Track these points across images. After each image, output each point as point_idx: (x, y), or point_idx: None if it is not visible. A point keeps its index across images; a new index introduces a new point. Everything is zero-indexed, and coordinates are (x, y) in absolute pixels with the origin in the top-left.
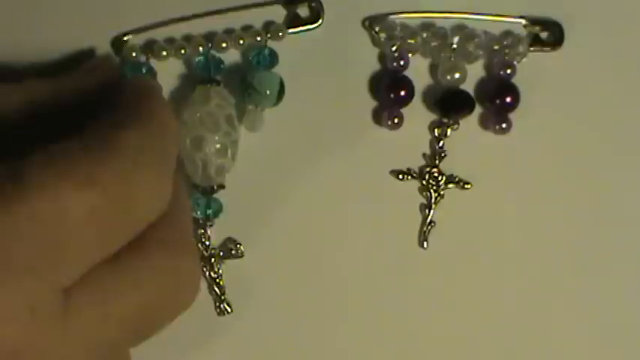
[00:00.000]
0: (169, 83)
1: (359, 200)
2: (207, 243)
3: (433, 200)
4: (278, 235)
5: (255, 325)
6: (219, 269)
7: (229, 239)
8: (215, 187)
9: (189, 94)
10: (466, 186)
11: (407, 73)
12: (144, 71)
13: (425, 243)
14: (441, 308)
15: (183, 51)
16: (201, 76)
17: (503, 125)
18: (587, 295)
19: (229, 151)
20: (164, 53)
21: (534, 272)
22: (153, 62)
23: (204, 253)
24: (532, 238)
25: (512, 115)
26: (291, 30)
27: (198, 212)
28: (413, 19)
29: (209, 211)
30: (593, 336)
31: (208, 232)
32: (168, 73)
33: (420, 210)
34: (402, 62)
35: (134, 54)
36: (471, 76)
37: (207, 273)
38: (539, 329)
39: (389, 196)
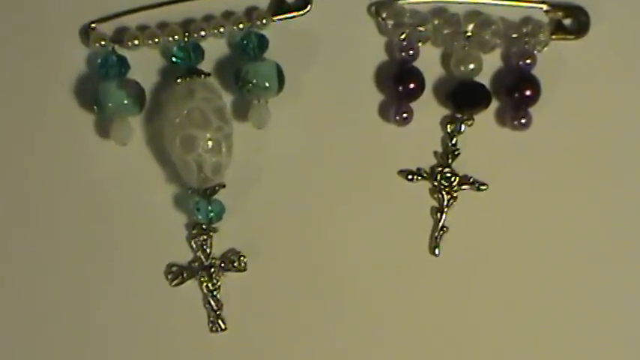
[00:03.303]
0: (147, 76)
1: (364, 203)
2: (209, 251)
3: (445, 203)
4: (277, 241)
5: (249, 344)
6: (217, 281)
7: (232, 250)
8: (216, 188)
9: (171, 88)
10: (482, 187)
11: (416, 63)
12: (114, 61)
13: (436, 250)
14: (454, 321)
15: (157, 40)
16: (181, 68)
17: (523, 121)
18: (615, 308)
19: (224, 147)
20: (136, 42)
21: (558, 283)
22: (125, 53)
23: (204, 262)
24: (554, 244)
25: (532, 110)
26: (276, 17)
27: (200, 217)
28: (423, 4)
29: (211, 215)
30: (619, 347)
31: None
32: (144, 64)
33: (432, 214)
34: (411, 52)
35: (103, 43)
36: (487, 67)
37: (205, 284)
38: (562, 345)
39: (397, 198)
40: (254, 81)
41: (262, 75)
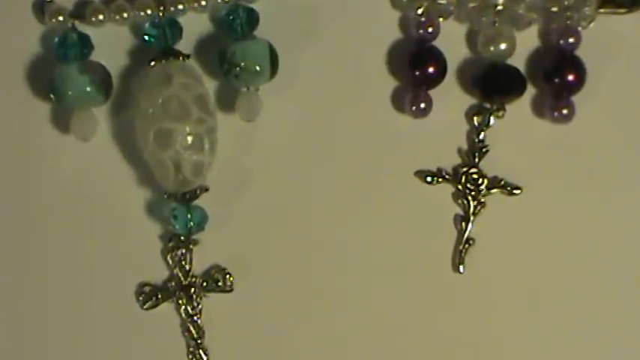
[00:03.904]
0: (114, 58)
1: (375, 211)
2: (188, 268)
3: (472, 210)
4: (269, 256)
5: None
6: (198, 304)
7: (216, 267)
8: (197, 192)
9: (143, 73)
10: (515, 191)
11: (436, 43)
12: (75, 41)
13: (461, 267)
14: (482, 351)
15: (126, 15)
16: (155, 48)
17: (564, 111)
18: None
19: (206, 143)
20: (100, 17)
21: (603, 304)
22: (87, 30)
23: (183, 280)
24: (601, 260)
25: (575, 99)
26: None
27: (177, 226)
28: None
29: (191, 224)
30: None
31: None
32: (110, 44)
33: (455, 223)
34: (430, 29)
35: (61, 18)
36: (522, 46)
37: (183, 307)
38: None
39: (414, 204)
40: (242, 64)
41: (252, 57)
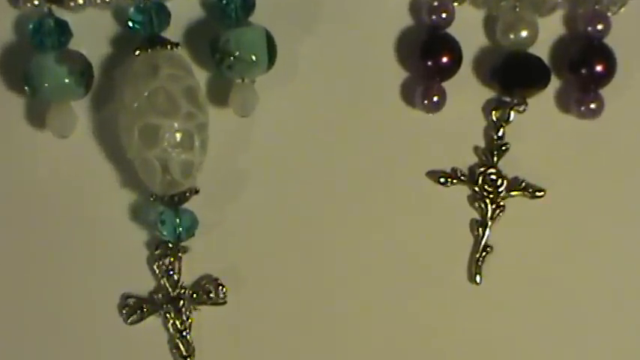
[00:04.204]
0: (95, 47)
1: (383, 215)
2: (177, 278)
3: (490, 215)
4: (265, 265)
5: None
6: (188, 318)
7: (207, 277)
8: (186, 194)
9: (128, 63)
10: (537, 194)
11: (451, 30)
12: (52, 27)
13: (478, 276)
14: None
15: None
16: (141, 36)
17: (592, 106)
18: None
19: (196, 141)
20: (80, 1)
21: (633, 318)
22: (65, 16)
23: (171, 292)
24: (631, 267)
25: (603, 92)
26: None
27: (165, 232)
28: None
29: (179, 229)
30: None
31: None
32: (91, 31)
33: (472, 229)
34: (444, 15)
35: (36, 2)
36: (545, 34)
37: (171, 322)
38: None
39: (427, 208)
40: (237, 53)
41: (247, 45)
